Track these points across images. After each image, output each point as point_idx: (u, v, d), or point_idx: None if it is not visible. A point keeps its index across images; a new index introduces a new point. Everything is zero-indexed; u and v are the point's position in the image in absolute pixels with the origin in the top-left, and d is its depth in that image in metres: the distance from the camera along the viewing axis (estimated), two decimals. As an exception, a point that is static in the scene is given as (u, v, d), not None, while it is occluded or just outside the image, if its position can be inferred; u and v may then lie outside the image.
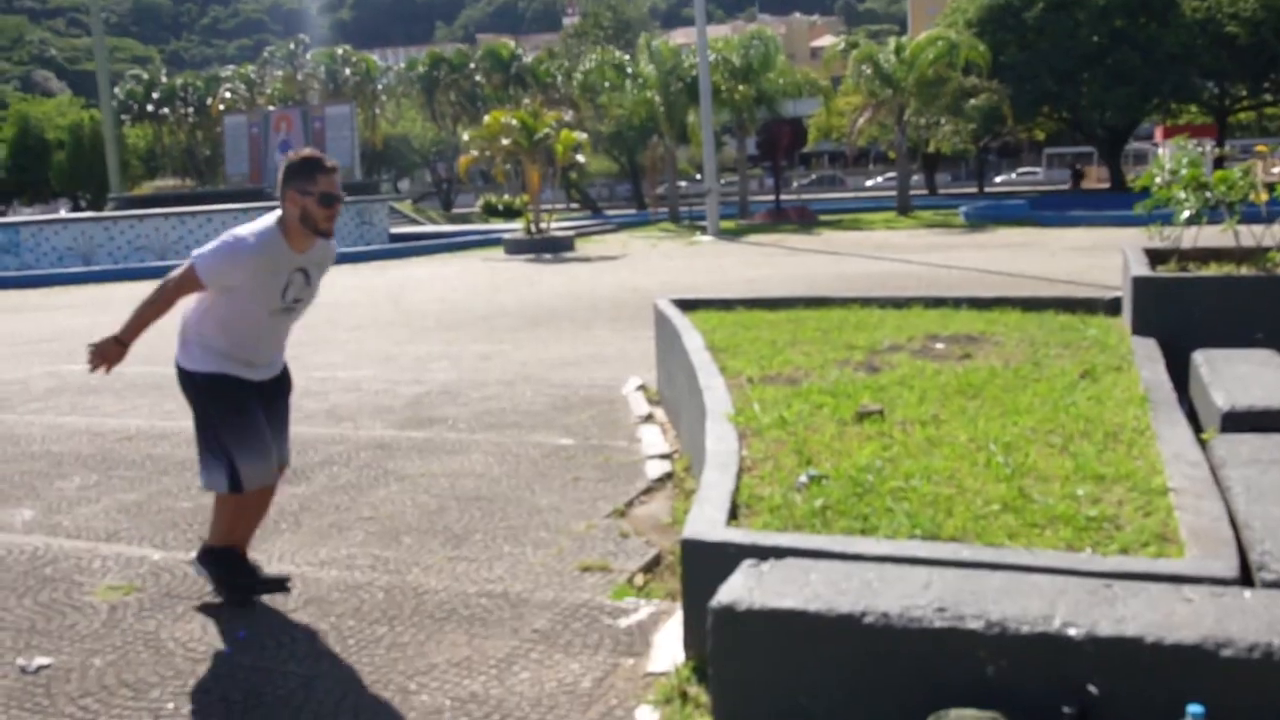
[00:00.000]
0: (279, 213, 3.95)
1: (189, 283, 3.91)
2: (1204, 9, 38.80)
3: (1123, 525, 3.21)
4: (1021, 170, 66.71)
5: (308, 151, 4.01)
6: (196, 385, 4.00)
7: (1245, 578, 2.83)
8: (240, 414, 3.97)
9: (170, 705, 3.36)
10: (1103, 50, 38.43)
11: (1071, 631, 2.47)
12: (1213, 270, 6.78)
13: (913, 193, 40.94)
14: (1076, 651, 2.45)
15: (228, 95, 57.43)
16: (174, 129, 62.47)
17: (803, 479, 3.76)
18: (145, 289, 3.97)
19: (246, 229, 3.96)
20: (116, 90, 55.25)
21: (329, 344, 11.21)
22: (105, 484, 5.98)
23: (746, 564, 2.96)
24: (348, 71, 59.18)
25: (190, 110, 61.01)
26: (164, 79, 63.14)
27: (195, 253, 3.92)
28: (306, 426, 7.21)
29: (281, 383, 4.23)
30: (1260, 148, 10.30)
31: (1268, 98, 47.12)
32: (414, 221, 42.54)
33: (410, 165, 63.43)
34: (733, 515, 3.49)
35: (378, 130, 57.61)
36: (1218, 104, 46.20)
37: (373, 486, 5.74)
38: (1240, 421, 4.44)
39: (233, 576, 4.16)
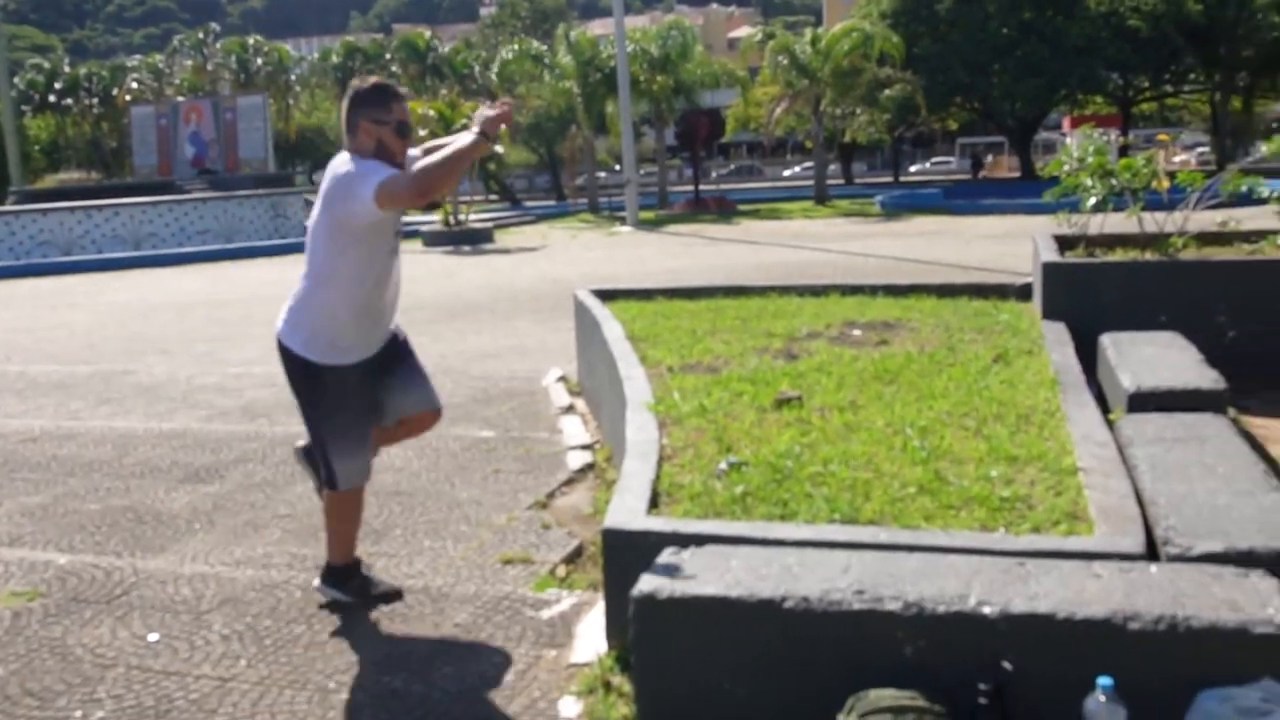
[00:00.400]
0: (347, 154, 3.68)
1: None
2: (1107, 2, 39.78)
3: (1035, 505, 3.28)
4: (935, 160, 67.73)
5: (375, 79, 3.78)
6: (302, 372, 3.78)
7: (1151, 553, 2.90)
8: (340, 410, 3.79)
9: (78, 713, 3.27)
10: (1012, 42, 39.25)
11: (986, 610, 2.51)
12: (1119, 256, 6.94)
13: (829, 182, 41.41)
14: (991, 629, 2.50)
15: (134, 85, 55.98)
16: (78, 120, 60.66)
17: (722, 466, 3.77)
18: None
19: (351, 160, 3.62)
20: (16, 80, 53.51)
21: (245, 339, 10.99)
22: (8, 487, 5.80)
23: (668, 552, 2.97)
24: (259, 61, 58.03)
25: (95, 101, 59.31)
26: (67, 68, 61.36)
27: (373, 180, 3.47)
28: (221, 424, 7.07)
29: (393, 343, 4.00)
30: (1162, 136, 10.62)
31: (1168, 89, 48.52)
32: (330, 214, 41.84)
33: (325, 157, 62.24)
34: (654, 504, 3.49)
35: (291, 122, 56.63)
36: (1122, 95, 47.37)
37: (289, 483, 5.64)
38: (1145, 402, 4.55)
39: (362, 592, 3.99)
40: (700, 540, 3.06)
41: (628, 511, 3.38)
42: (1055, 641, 2.46)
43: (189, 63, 60.83)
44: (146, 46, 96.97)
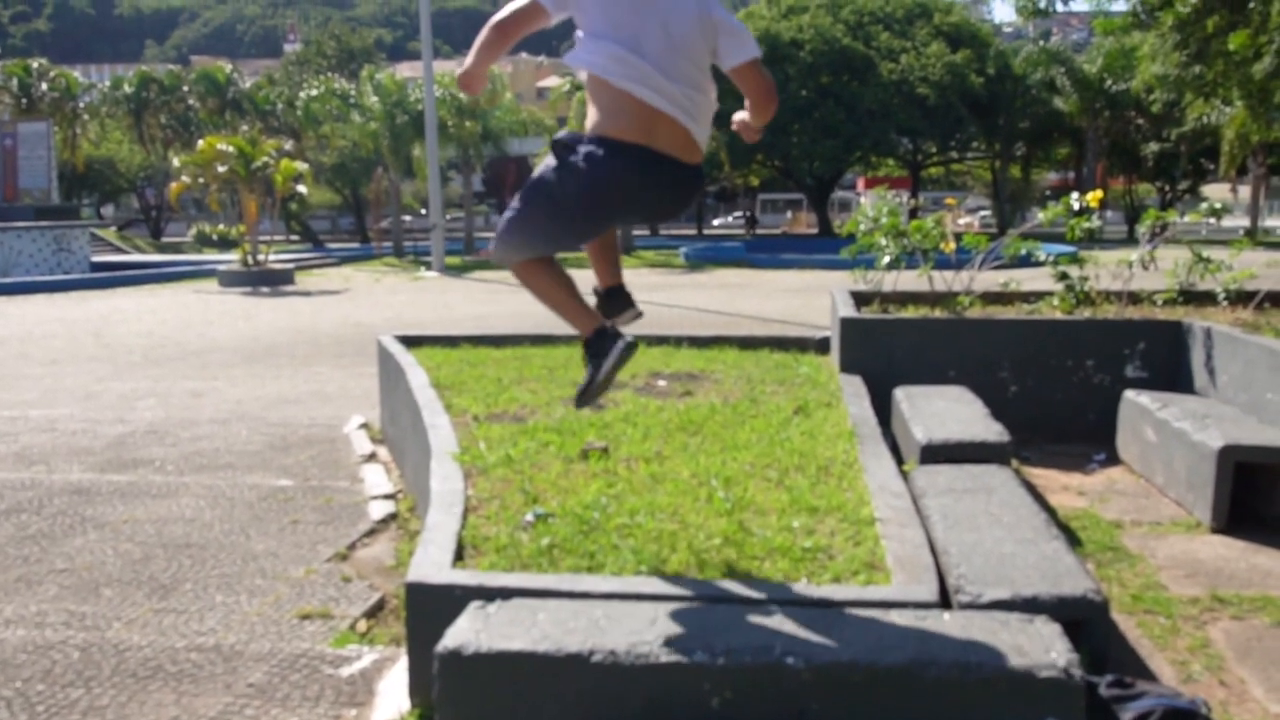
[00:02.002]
0: None
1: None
2: (898, 70, 42.03)
3: (835, 555, 3.36)
4: (736, 214, 69.69)
5: None
6: None
7: (944, 600, 3.02)
8: None
9: None
10: (811, 104, 40.94)
11: (790, 660, 2.55)
12: (911, 312, 7.27)
13: (635, 232, 42.07)
14: (796, 679, 2.54)
15: (-98, 108, 52.33)
16: None
17: (529, 518, 3.74)
18: None
19: None
20: None
21: (21, 380, 10.33)
22: None
23: (473, 606, 2.92)
24: (44, 86, 55.04)
25: None
26: None
27: None
28: (-10, 471, 6.60)
29: None
30: (950, 200, 11.19)
31: (954, 155, 51.59)
32: (119, 250, 40.08)
33: (115, 190, 59.62)
34: (459, 556, 3.42)
35: (79, 151, 53.83)
36: (912, 158, 50.05)
37: (68, 535, 5.30)
38: (937, 453, 4.77)
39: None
40: (506, 594, 3.02)
41: (432, 564, 3.31)
42: (857, 689, 2.52)
43: (-37, 85, 57.22)
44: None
